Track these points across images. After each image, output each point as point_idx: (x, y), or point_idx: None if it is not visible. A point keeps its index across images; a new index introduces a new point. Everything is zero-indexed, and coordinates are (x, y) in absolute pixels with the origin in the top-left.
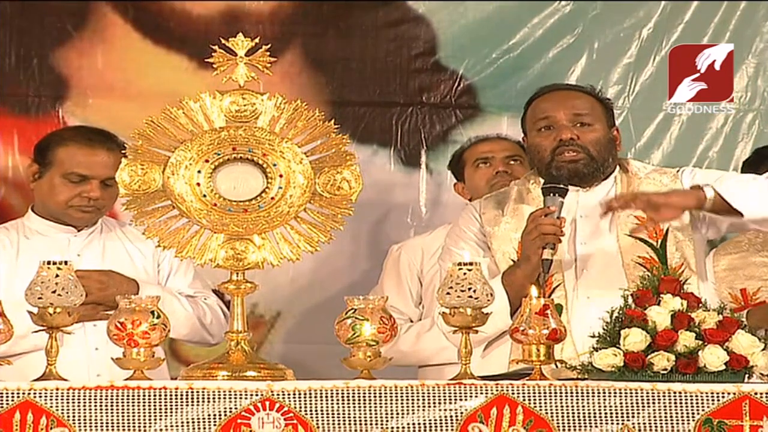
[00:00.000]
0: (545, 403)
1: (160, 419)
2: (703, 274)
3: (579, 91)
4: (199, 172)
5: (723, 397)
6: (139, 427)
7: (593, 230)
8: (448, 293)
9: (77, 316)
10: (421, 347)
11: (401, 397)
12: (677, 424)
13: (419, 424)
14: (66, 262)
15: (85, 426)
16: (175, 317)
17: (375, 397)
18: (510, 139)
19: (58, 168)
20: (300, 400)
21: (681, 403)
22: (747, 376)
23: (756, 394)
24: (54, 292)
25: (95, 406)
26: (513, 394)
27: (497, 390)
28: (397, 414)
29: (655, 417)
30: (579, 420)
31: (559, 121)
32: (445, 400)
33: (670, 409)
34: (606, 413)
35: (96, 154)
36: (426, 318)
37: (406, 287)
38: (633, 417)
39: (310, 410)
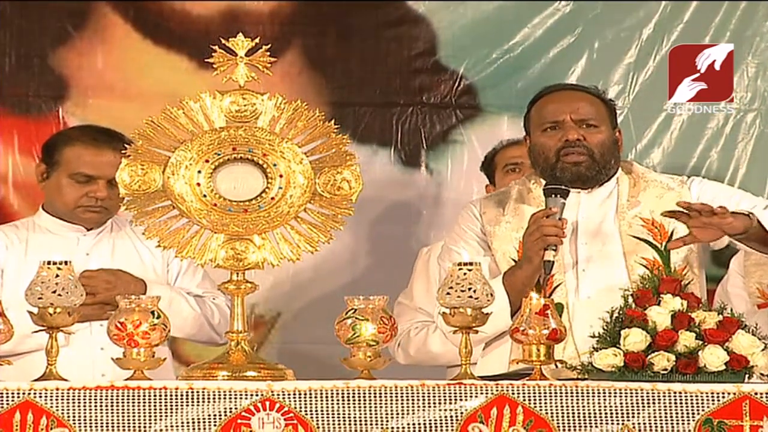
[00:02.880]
0: (545, 403)
1: (160, 419)
2: (704, 277)
3: (584, 92)
4: (199, 172)
5: (723, 397)
6: (139, 427)
7: (595, 231)
8: (448, 293)
9: (78, 316)
10: (453, 348)
11: (401, 397)
12: (677, 424)
13: (419, 424)
14: (66, 262)
15: (85, 426)
16: (182, 317)
17: (375, 397)
18: None
19: (65, 168)
20: (300, 400)
21: (681, 403)
22: (747, 376)
23: (756, 394)
24: (54, 292)
25: (95, 406)
26: (513, 394)
27: (497, 390)
28: (397, 414)
29: (655, 417)
30: (579, 420)
31: (566, 121)
32: (445, 400)
33: (670, 409)
34: (606, 413)
35: (102, 154)
36: None
37: (435, 288)
38: (633, 417)
39: (310, 410)
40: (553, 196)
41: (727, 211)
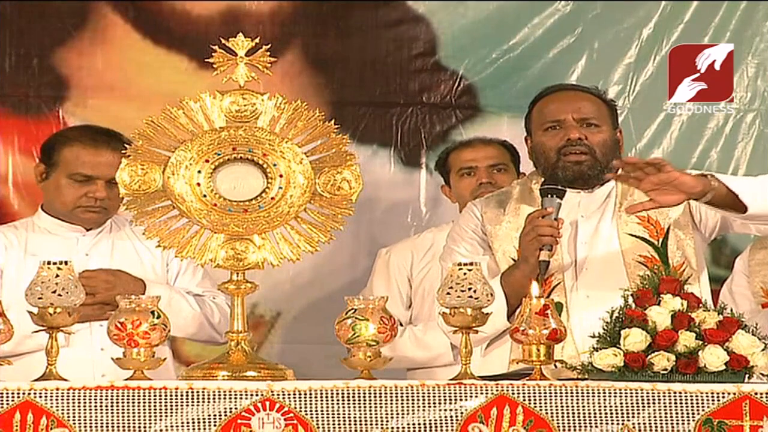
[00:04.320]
0: (545, 403)
1: (160, 419)
2: (703, 272)
3: (586, 92)
4: (199, 172)
5: (723, 397)
6: (139, 427)
7: (594, 230)
8: (448, 293)
9: (78, 316)
10: (422, 352)
11: (401, 397)
12: (677, 424)
13: (419, 424)
14: (66, 262)
15: (85, 426)
16: (182, 316)
17: (375, 397)
18: (494, 141)
19: (64, 168)
20: (300, 400)
21: (681, 403)
22: (747, 376)
23: (756, 394)
24: (54, 292)
25: (95, 406)
26: (513, 394)
27: (497, 390)
28: (397, 414)
29: (655, 417)
30: (579, 420)
31: (568, 121)
32: (445, 400)
33: (671, 409)
34: (606, 413)
35: (100, 154)
36: (416, 319)
37: (395, 289)
38: (633, 417)
39: (310, 410)
40: (549, 196)
41: (668, 163)
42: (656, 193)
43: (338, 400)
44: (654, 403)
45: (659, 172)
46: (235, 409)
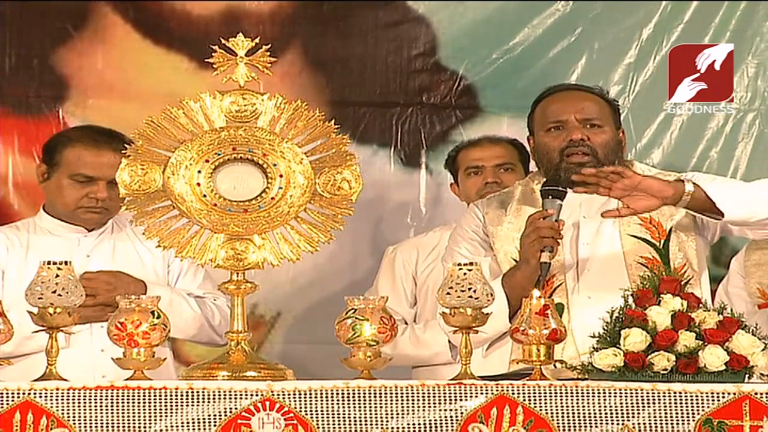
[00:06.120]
0: (545, 403)
1: (160, 419)
2: (705, 274)
3: (589, 92)
4: (199, 172)
5: (723, 397)
6: (139, 427)
7: (596, 231)
8: (448, 293)
9: (78, 317)
10: (422, 351)
11: (401, 397)
12: (677, 424)
13: (419, 424)
14: (66, 262)
15: (85, 426)
16: (183, 318)
17: (375, 397)
18: (503, 140)
19: (66, 169)
20: (300, 400)
21: (681, 403)
22: (747, 376)
23: (756, 394)
24: (54, 292)
25: (95, 406)
26: (513, 394)
27: (497, 390)
28: (397, 414)
29: (655, 417)
30: (579, 420)
31: (570, 121)
32: (445, 400)
33: (671, 409)
34: (606, 413)
35: (102, 154)
36: (420, 317)
37: (400, 287)
38: (633, 417)
39: (310, 410)
40: (549, 197)
41: (627, 170)
42: (629, 200)
43: (338, 400)
44: (654, 403)
45: (622, 179)
46: (235, 409)
